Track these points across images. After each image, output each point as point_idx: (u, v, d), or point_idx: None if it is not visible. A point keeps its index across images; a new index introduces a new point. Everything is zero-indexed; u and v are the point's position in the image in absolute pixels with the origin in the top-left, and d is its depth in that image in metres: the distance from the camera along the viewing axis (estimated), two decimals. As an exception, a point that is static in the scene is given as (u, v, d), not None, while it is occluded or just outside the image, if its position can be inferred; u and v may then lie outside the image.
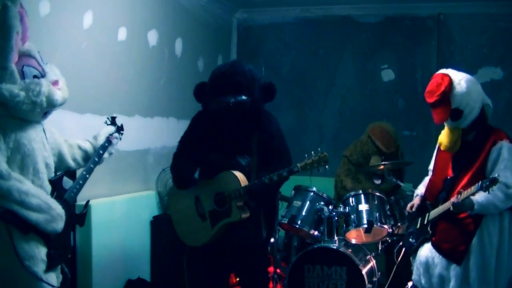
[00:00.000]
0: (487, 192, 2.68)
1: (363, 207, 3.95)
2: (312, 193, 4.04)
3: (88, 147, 2.80)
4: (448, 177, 3.07)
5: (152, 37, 4.45)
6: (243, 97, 2.96)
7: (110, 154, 2.90)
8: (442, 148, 3.11)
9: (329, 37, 5.87)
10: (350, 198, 4.04)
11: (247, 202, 3.06)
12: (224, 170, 3.06)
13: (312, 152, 2.97)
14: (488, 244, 2.90)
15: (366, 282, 3.65)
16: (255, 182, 2.99)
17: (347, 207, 3.97)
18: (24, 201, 2.28)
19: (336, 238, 3.88)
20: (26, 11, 2.40)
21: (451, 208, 2.86)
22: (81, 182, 2.65)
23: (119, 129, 2.97)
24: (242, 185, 2.99)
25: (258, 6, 5.92)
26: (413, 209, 3.28)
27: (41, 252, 2.39)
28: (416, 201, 3.31)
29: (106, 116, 3.00)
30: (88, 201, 2.79)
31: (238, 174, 3.03)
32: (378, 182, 4.44)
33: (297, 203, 4.03)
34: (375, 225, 3.83)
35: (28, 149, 2.39)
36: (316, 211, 3.95)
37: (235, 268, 3.38)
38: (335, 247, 3.75)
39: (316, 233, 3.94)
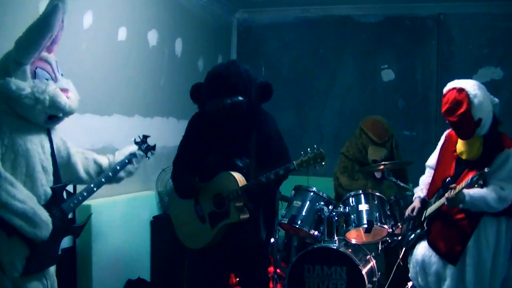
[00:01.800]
0: (478, 186, 2.74)
1: (363, 207, 3.94)
2: (312, 193, 4.04)
3: (104, 162, 2.81)
4: (448, 177, 3.06)
5: (152, 37, 4.45)
6: (239, 98, 2.93)
7: (130, 174, 2.91)
8: (464, 157, 3.04)
9: (329, 37, 5.87)
10: (350, 198, 4.04)
11: (246, 204, 3.05)
12: (222, 172, 3.05)
13: (308, 149, 2.93)
14: (485, 246, 2.91)
15: (366, 282, 3.65)
16: (252, 182, 2.96)
17: (347, 207, 3.97)
18: (8, 203, 2.25)
19: (336, 238, 3.87)
20: (29, 12, 2.43)
21: (446, 203, 2.86)
22: (85, 194, 2.63)
23: (150, 149, 3.01)
24: (240, 185, 2.97)
25: (258, 6, 5.92)
26: (414, 213, 3.24)
27: (22, 258, 2.36)
28: (416, 204, 3.28)
29: (138, 135, 3.04)
30: (90, 215, 2.78)
31: (236, 174, 3.00)
32: (378, 175, 4.47)
33: (297, 203, 4.02)
34: (375, 225, 3.83)
35: (22, 148, 2.38)
36: (316, 211, 3.95)
37: (235, 268, 3.37)
38: (335, 247, 3.75)
39: (316, 233, 3.94)
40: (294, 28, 5.98)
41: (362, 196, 4.01)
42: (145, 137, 3.06)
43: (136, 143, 3.01)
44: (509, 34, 5.32)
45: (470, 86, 2.95)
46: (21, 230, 2.30)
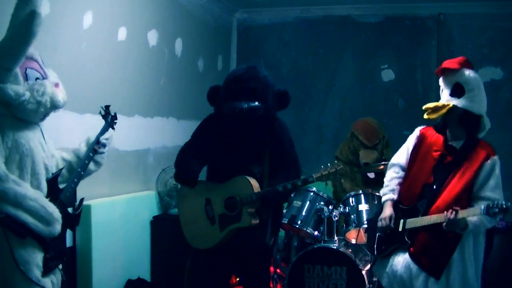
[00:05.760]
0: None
1: (363, 207, 3.94)
2: (312, 193, 4.04)
3: (71, 158, 2.73)
4: (429, 183, 2.89)
5: (152, 37, 4.45)
6: (257, 104, 2.93)
7: (98, 164, 2.80)
8: (426, 115, 2.98)
9: (329, 37, 5.88)
10: (350, 198, 4.04)
11: (257, 209, 3.03)
12: (235, 176, 3.03)
13: (328, 164, 2.95)
14: (468, 260, 2.78)
15: (366, 282, 3.66)
16: (268, 189, 2.96)
17: (347, 207, 3.97)
18: (21, 204, 2.27)
19: (336, 238, 3.88)
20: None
21: (444, 225, 2.67)
22: (75, 180, 2.61)
23: (113, 119, 2.90)
24: (255, 191, 2.96)
25: (258, 6, 5.92)
26: (391, 223, 2.93)
27: (37, 257, 2.38)
28: (390, 211, 2.97)
29: (101, 106, 2.91)
30: (82, 200, 2.72)
31: (252, 180, 3.00)
32: (372, 176, 4.46)
33: (297, 203, 4.02)
34: (375, 225, 3.82)
35: (26, 149, 2.38)
36: (316, 211, 3.95)
37: (238, 270, 3.36)
38: (335, 247, 3.75)
39: (316, 233, 3.94)
40: (294, 28, 5.98)
41: (362, 196, 4.01)
42: (107, 107, 2.91)
43: (103, 117, 2.88)
44: (509, 34, 5.32)
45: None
46: (35, 229, 2.32)
